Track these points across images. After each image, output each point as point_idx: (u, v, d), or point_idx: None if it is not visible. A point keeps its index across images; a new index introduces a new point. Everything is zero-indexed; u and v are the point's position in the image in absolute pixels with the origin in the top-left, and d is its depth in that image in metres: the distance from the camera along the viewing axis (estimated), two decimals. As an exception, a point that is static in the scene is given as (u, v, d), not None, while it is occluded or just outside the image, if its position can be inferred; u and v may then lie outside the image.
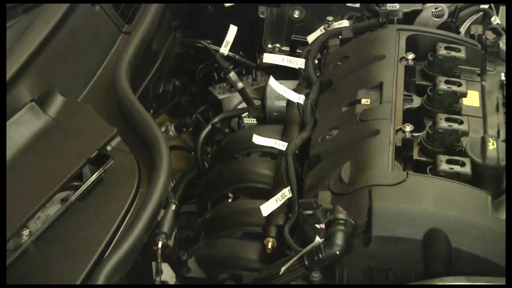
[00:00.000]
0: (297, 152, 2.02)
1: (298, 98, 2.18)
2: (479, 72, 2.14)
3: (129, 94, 2.08)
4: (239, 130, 2.44)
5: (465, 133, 1.85)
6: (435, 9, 2.36)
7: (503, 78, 2.09)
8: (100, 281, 1.61)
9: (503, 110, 2.00)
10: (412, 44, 2.17)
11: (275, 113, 2.38)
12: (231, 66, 2.64)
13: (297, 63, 2.31)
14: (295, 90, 2.24)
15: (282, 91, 2.19)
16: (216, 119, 2.49)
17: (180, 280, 1.98)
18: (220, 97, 2.77)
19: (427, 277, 1.67)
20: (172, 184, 2.53)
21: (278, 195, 1.91)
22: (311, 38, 2.48)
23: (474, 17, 2.39)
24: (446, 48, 2.08)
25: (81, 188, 1.84)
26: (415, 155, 1.87)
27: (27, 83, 1.98)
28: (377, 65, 2.12)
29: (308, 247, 1.69)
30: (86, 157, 1.85)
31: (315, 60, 2.37)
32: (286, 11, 2.76)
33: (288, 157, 1.97)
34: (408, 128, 1.85)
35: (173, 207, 1.89)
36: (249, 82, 2.81)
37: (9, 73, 1.92)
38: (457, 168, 1.77)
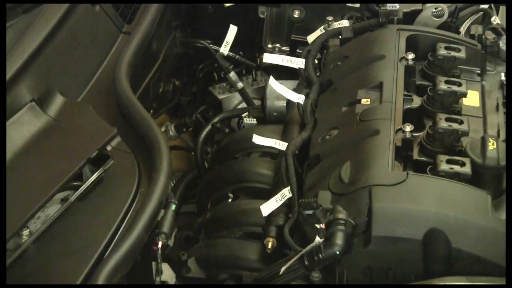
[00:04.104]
0: (297, 152, 2.02)
1: (298, 98, 2.18)
2: (479, 72, 2.14)
3: (129, 94, 2.08)
4: (239, 130, 2.44)
5: (465, 133, 1.85)
6: (435, 9, 2.36)
7: (503, 78, 2.09)
8: (100, 281, 1.61)
9: (503, 110, 2.00)
10: (412, 44, 2.18)
11: (275, 113, 2.38)
12: (231, 66, 2.64)
13: (297, 63, 2.31)
14: (295, 90, 2.24)
15: (282, 91, 2.19)
16: (216, 119, 2.49)
17: (180, 280, 1.98)
18: (220, 97, 2.77)
19: (427, 277, 1.67)
20: (172, 184, 2.53)
21: (278, 195, 1.91)
22: (311, 38, 2.48)
23: (474, 17, 2.39)
24: (446, 48, 2.08)
25: (81, 188, 1.84)
26: (415, 155, 1.87)
27: (27, 83, 1.98)
28: (377, 65, 2.12)
29: (308, 247, 1.69)
30: (86, 157, 1.85)
31: (315, 60, 2.37)
32: (286, 11, 2.76)
33: (288, 157, 1.97)
34: (408, 128, 1.85)
35: (173, 207, 1.89)
36: (249, 82, 2.81)
37: (9, 73, 1.92)
38: (457, 168, 1.77)
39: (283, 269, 1.74)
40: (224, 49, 2.59)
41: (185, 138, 2.86)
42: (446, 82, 1.96)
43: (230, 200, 2.19)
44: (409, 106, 2.00)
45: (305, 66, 2.31)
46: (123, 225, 1.78)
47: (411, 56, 2.08)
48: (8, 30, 2.08)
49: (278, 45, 2.80)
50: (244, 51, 2.79)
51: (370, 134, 1.90)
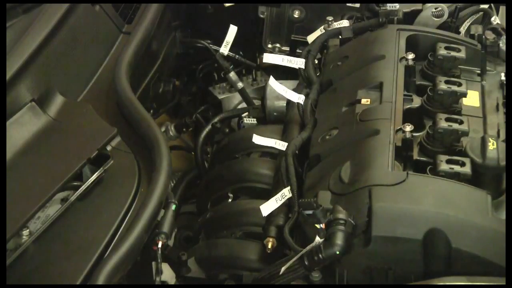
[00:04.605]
0: (297, 152, 2.02)
1: (298, 98, 2.18)
2: (479, 72, 2.14)
3: (129, 94, 2.08)
4: (239, 130, 2.44)
5: (465, 133, 1.85)
6: (435, 9, 2.36)
7: (503, 78, 2.09)
8: (100, 281, 1.61)
9: (503, 110, 2.00)
10: (412, 44, 2.17)
11: (275, 113, 2.38)
12: (231, 66, 2.64)
13: (297, 63, 2.31)
14: (295, 90, 2.24)
15: (282, 91, 2.19)
16: (216, 119, 2.49)
17: (180, 280, 1.98)
18: (220, 97, 2.77)
19: (427, 277, 1.67)
20: (172, 184, 2.53)
21: (278, 195, 1.91)
22: (311, 38, 2.48)
23: (474, 17, 2.39)
24: (446, 48, 2.08)
25: (81, 188, 1.84)
26: (415, 155, 1.87)
27: (27, 83, 1.98)
28: (377, 65, 2.12)
29: (308, 247, 1.69)
30: (86, 157, 1.86)
31: (315, 60, 2.37)
32: (286, 11, 2.76)
33: (288, 157, 1.97)
34: (408, 128, 1.85)
35: (173, 207, 1.89)
36: (249, 82, 2.81)
37: (9, 73, 1.92)
38: (457, 168, 1.77)
39: (283, 269, 1.74)
40: (224, 49, 2.59)
41: (185, 138, 2.86)
42: (446, 82, 1.96)
43: (230, 200, 2.19)
44: (409, 106, 2.00)
45: (305, 66, 2.31)
46: (123, 225, 1.78)
47: (411, 56, 2.08)
48: (8, 30, 2.08)
49: (278, 45, 2.80)
50: (244, 51, 2.79)
51: (370, 134, 1.90)
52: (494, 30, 2.27)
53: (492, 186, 1.76)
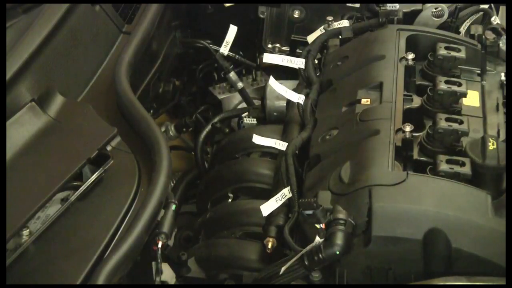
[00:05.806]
0: (297, 152, 2.02)
1: (298, 98, 2.18)
2: (479, 72, 2.14)
3: (129, 94, 2.08)
4: (239, 130, 2.44)
5: (465, 133, 1.85)
6: (435, 9, 2.36)
7: (503, 78, 2.09)
8: (100, 281, 1.61)
9: (503, 110, 2.01)
10: (412, 44, 2.18)
11: (275, 113, 2.38)
12: (231, 66, 2.64)
13: (297, 63, 2.31)
14: (295, 90, 2.24)
15: (282, 91, 2.19)
16: (216, 119, 2.49)
17: (180, 280, 1.98)
18: (220, 97, 2.77)
19: (427, 277, 1.68)
20: (172, 184, 2.53)
21: (278, 195, 1.91)
22: (311, 38, 2.48)
23: (474, 17, 2.39)
24: (446, 48, 2.09)
25: (81, 188, 1.84)
26: (415, 155, 1.87)
27: (27, 83, 1.99)
28: (377, 65, 2.12)
29: (308, 247, 1.69)
30: (86, 157, 1.86)
31: (315, 60, 2.37)
32: (286, 11, 2.76)
33: (288, 157, 1.97)
34: (408, 128, 1.85)
35: (173, 207, 1.89)
36: (249, 82, 2.81)
37: (9, 73, 1.92)
38: (457, 168, 1.77)
39: (283, 269, 1.74)
40: (224, 49, 2.59)
41: (185, 138, 2.86)
42: (446, 82, 1.96)
43: (230, 200, 2.19)
44: (409, 106, 2.00)
45: (305, 66, 2.31)
46: (123, 225, 1.78)
47: (411, 56, 2.08)
48: (8, 30, 2.08)
49: (278, 45, 2.80)
50: (244, 51, 2.79)
51: (370, 134, 1.90)
52: (494, 30, 2.27)
53: (492, 186, 1.76)
